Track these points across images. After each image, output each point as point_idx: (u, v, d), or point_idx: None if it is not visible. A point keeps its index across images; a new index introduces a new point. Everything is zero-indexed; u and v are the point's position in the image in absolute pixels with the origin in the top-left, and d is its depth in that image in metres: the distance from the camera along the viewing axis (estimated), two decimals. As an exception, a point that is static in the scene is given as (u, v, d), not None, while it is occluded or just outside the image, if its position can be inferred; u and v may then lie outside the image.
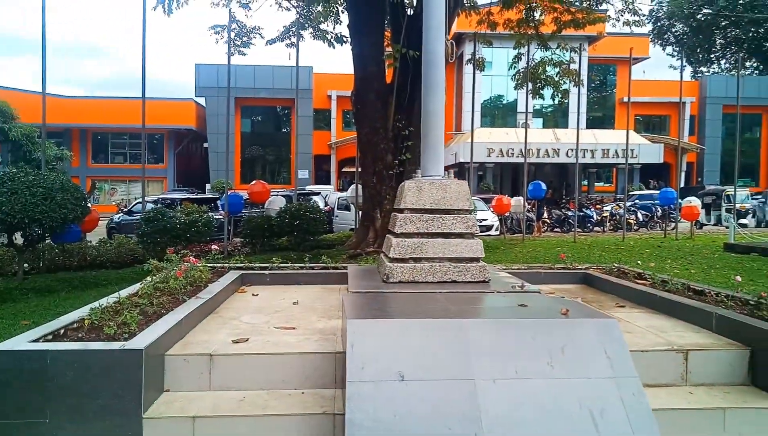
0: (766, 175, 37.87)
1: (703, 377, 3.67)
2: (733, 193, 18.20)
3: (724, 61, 45.34)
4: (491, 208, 18.31)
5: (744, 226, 19.00)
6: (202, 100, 36.17)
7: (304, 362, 3.53)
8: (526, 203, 17.60)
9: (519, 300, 3.96)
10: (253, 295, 5.56)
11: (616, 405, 2.92)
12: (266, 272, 6.30)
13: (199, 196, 22.33)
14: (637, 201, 23.63)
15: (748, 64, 42.75)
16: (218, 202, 18.26)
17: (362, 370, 2.97)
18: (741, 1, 39.00)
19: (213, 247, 7.83)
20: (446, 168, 5.28)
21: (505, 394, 2.93)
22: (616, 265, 6.86)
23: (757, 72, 42.46)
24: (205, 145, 36.54)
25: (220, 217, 14.16)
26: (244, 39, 14.90)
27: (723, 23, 40.92)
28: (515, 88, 18.13)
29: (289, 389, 3.45)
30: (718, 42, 44.14)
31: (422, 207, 4.76)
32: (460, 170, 29.39)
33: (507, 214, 18.09)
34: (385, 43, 12.92)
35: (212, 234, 12.78)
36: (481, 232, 17.51)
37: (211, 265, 6.23)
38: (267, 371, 3.51)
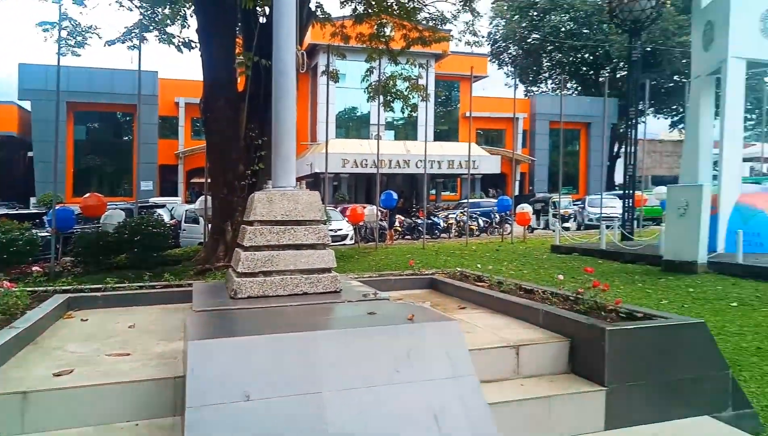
0: (585, 183, 43.14)
1: (533, 369, 4.01)
2: (558, 199, 20.44)
3: (550, 81, 51.05)
4: (346, 218, 18.61)
5: (567, 229, 21.42)
6: (27, 104, 32.10)
7: (139, 390, 3.24)
8: (379, 212, 18.15)
9: (368, 308, 4.02)
10: (82, 320, 5.00)
11: (455, 404, 3.07)
12: (98, 293, 5.70)
13: (20, 211, 19.74)
14: (466, 209, 25.25)
15: (569, 85, 48.51)
16: (45, 217, 16.32)
17: (204, 394, 2.80)
18: (563, 30, 44.21)
19: (35, 268, 6.95)
20: (302, 178, 5.26)
21: (351, 404, 2.94)
22: (458, 269, 7.30)
23: (576, 92, 48.39)
24: (30, 154, 32.45)
25: (47, 234, 12.64)
26: (78, 38, 13.60)
27: (549, 48, 46.08)
28: (368, 100, 18.71)
29: (121, 423, 3.14)
30: (545, 64, 49.58)
31: (273, 219, 4.64)
32: (315, 180, 29.43)
33: (361, 223, 18.53)
34: (238, 51, 12.56)
35: (37, 254, 11.35)
36: (336, 241, 17.82)
37: (31, 289, 5.49)
38: (95, 404, 3.15)
